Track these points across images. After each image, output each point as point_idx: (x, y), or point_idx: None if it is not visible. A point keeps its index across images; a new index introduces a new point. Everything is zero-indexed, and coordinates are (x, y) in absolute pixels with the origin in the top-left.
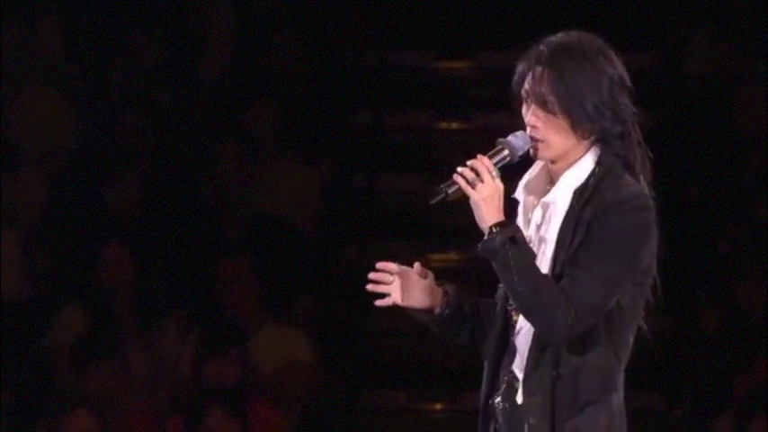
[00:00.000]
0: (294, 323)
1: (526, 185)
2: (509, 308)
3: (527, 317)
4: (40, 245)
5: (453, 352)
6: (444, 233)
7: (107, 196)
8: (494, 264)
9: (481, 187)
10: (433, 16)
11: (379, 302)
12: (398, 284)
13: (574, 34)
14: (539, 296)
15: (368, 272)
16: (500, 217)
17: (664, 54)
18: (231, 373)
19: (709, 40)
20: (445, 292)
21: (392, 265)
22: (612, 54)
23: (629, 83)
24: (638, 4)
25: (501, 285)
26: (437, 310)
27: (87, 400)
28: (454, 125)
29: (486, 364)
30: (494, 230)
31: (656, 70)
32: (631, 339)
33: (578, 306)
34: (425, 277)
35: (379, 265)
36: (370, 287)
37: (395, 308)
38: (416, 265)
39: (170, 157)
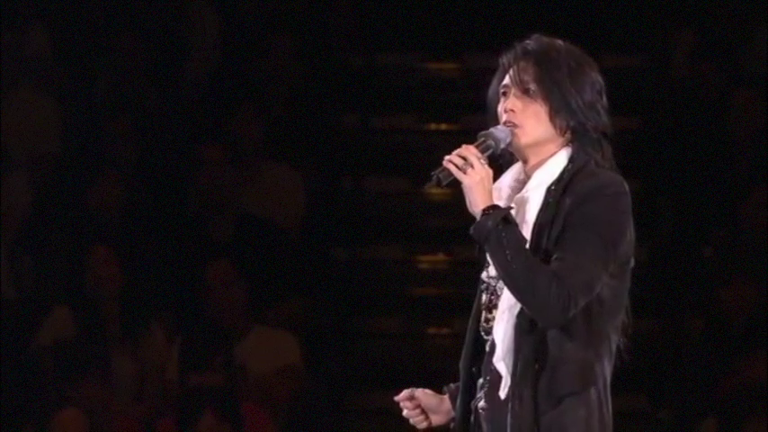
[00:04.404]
0: (281, 325)
1: (500, 189)
2: (482, 307)
3: (521, 298)
4: (26, 248)
5: (439, 354)
6: (432, 235)
7: (94, 199)
8: (486, 246)
9: (472, 172)
10: (420, 18)
11: (423, 426)
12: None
13: (559, 40)
14: (533, 276)
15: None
16: (491, 201)
17: (651, 56)
18: (218, 376)
19: (697, 43)
20: (450, 398)
21: (419, 392)
22: (596, 65)
23: (604, 98)
24: (626, 6)
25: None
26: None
27: (74, 403)
28: (442, 127)
29: (461, 376)
30: (486, 213)
31: (642, 72)
32: (613, 338)
33: (571, 287)
34: (429, 398)
35: (408, 393)
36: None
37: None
38: (421, 391)
39: (157, 159)
